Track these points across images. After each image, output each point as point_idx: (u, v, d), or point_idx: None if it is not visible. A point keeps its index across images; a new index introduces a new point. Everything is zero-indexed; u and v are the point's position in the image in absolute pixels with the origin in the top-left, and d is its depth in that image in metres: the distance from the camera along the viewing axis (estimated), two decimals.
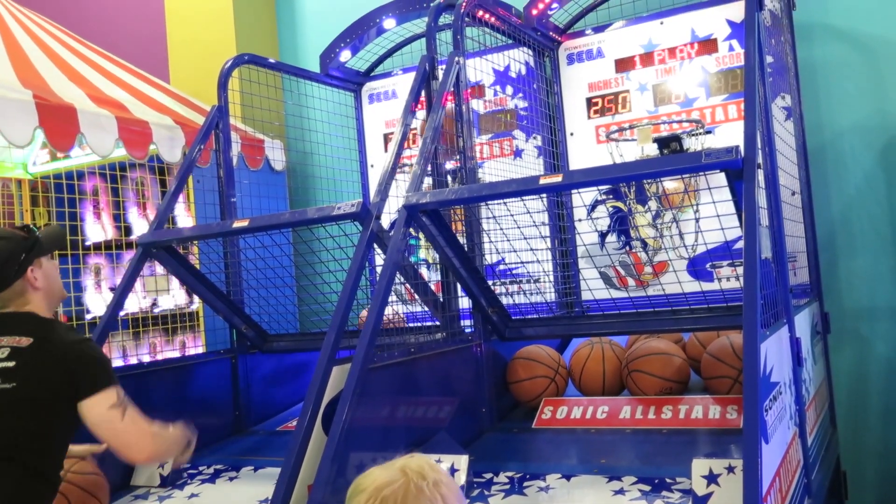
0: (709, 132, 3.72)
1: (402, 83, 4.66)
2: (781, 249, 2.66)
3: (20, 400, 2.22)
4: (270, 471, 2.96)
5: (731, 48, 3.78)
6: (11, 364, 2.26)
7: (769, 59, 3.16)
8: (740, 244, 2.46)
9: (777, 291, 2.56)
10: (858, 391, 3.93)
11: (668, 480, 2.37)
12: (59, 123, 3.59)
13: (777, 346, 2.37)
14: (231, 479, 2.99)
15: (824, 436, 3.31)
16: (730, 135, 3.71)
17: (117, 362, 4.08)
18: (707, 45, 3.84)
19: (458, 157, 3.25)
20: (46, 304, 2.45)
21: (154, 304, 4.53)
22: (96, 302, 4.81)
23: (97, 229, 4.86)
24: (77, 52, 4.57)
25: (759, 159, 2.42)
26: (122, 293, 3.27)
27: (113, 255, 4.77)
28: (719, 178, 2.46)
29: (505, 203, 2.89)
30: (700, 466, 2.19)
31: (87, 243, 4.78)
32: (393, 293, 2.76)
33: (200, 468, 3.12)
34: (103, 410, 2.25)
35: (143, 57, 5.51)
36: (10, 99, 3.42)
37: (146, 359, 4.34)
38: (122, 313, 3.87)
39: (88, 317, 4.65)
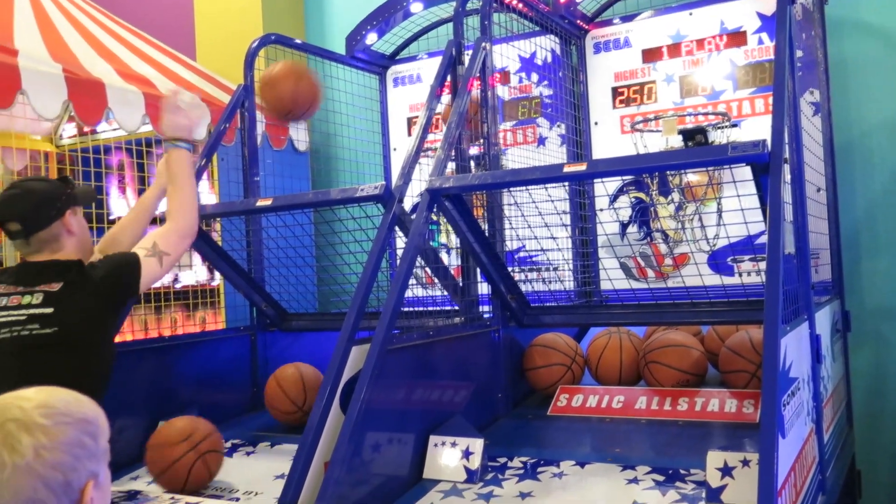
0: (735, 125, 3.69)
1: (427, 67, 4.65)
2: (805, 246, 2.65)
3: (62, 343, 2.32)
4: (287, 447, 3.00)
5: (760, 41, 3.75)
6: (49, 310, 2.34)
7: (799, 53, 3.14)
8: (763, 239, 2.46)
9: (799, 287, 2.55)
10: (876, 391, 3.92)
11: (682, 471, 2.38)
12: (87, 98, 3.62)
13: (797, 342, 2.37)
14: (248, 453, 3.03)
15: (840, 434, 3.30)
16: (756, 129, 3.68)
17: (139, 335, 4.13)
18: (736, 38, 3.80)
19: (481, 142, 3.25)
20: (78, 254, 2.52)
21: (175, 280, 4.58)
22: None
23: (122, 204, 4.91)
24: (106, 28, 4.60)
25: (786, 154, 2.41)
26: None
27: None
28: (744, 172, 2.45)
29: (527, 190, 2.90)
30: (715, 458, 2.19)
31: (112, 217, 4.83)
32: (412, 276, 2.78)
33: None
34: (153, 267, 2.49)
35: (171, 34, 5.54)
36: (40, 72, 3.45)
37: (167, 333, 4.39)
38: None
39: None
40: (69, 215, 2.48)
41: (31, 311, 2.34)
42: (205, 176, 3.91)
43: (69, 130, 5.06)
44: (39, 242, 2.44)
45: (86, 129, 4.76)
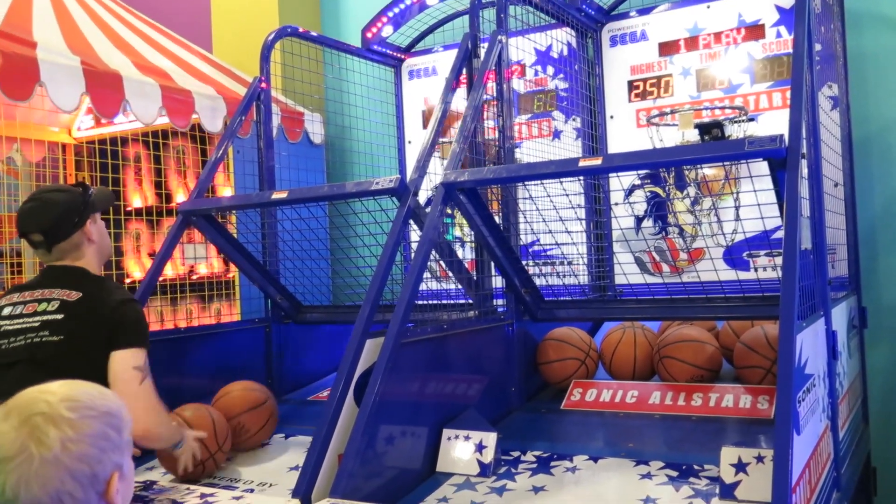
0: (752, 119, 3.67)
1: (443, 60, 4.65)
2: (821, 241, 2.63)
3: (66, 353, 2.33)
4: (301, 439, 3.02)
5: (778, 34, 3.72)
6: (60, 317, 2.37)
7: (817, 46, 3.10)
8: (779, 234, 2.44)
9: (815, 283, 2.53)
10: (893, 387, 3.89)
11: (695, 467, 2.37)
12: (105, 90, 3.65)
13: (813, 338, 2.35)
14: (262, 445, 3.05)
15: (856, 431, 3.28)
16: (773, 123, 3.66)
17: (154, 326, 4.16)
18: (754, 31, 3.77)
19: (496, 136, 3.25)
20: (98, 260, 2.57)
21: (191, 271, 4.61)
22: (135, 266, 4.91)
23: (138, 195, 4.95)
24: (124, 20, 4.62)
25: (804, 149, 2.39)
26: (161, 259, 3.33)
27: (154, 222, 4.86)
28: (761, 167, 2.43)
29: (542, 184, 2.89)
30: (729, 454, 2.19)
31: (128, 209, 4.87)
32: (427, 269, 2.78)
33: None
34: (128, 367, 2.35)
35: (187, 27, 5.56)
36: (59, 64, 3.48)
37: (182, 324, 4.42)
38: (160, 278, 3.95)
39: (127, 281, 4.75)
40: (89, 224, 2.51)
41: (45, 317, 2.38)
42: (220, 168, 3.93)
43: (86, 122, 5.09)
44: (60, 252, 2.48)
45: (103, 120, 4.79)
